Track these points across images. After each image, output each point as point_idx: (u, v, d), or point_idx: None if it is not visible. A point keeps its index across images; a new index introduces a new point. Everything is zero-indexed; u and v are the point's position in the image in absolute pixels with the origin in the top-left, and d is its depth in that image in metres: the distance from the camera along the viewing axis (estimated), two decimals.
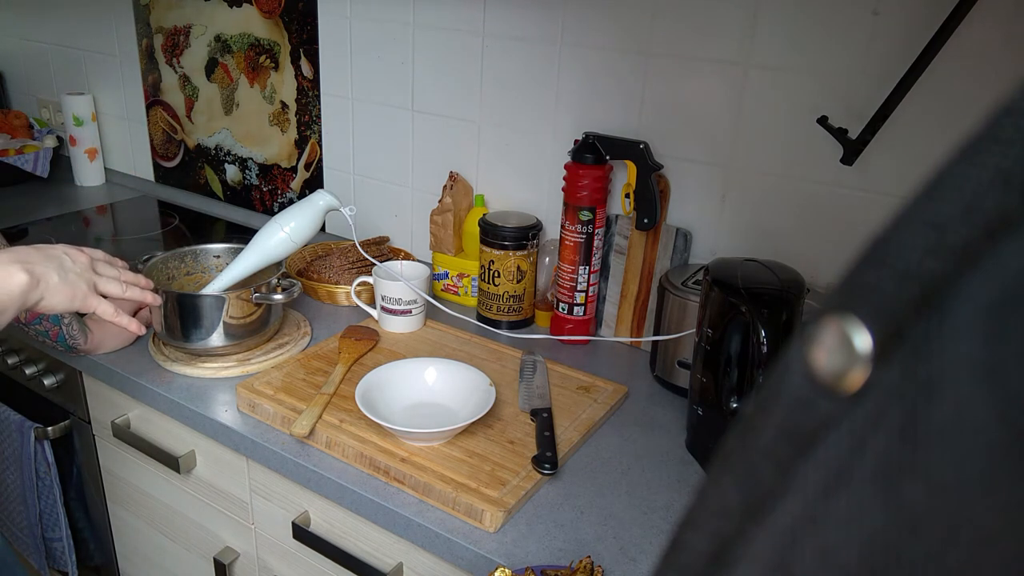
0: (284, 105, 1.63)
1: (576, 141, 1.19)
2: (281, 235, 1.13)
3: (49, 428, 1.32)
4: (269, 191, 1.73)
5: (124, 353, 1.17)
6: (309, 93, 1.59)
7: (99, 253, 1.00)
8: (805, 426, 0.22)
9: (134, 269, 1.05)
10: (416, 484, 0.88)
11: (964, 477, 0.18)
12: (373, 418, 0.91)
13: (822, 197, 1.08)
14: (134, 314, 1.20)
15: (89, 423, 1.30)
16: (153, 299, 1.03)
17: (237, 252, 1.16)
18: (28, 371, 1.31)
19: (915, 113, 0.97)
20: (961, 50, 0.91)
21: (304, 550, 1.03)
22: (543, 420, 0.98)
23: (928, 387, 0.19)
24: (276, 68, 1.62)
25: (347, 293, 1.32)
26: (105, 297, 0.95)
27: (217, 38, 1.69)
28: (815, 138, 1.04)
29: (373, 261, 1.28)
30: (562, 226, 1.20)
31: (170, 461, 1.13)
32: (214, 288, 1.12)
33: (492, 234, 1.25)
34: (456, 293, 1.38)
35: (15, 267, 0.85)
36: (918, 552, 0.19)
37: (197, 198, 1.85)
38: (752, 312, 0.86)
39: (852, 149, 0.98)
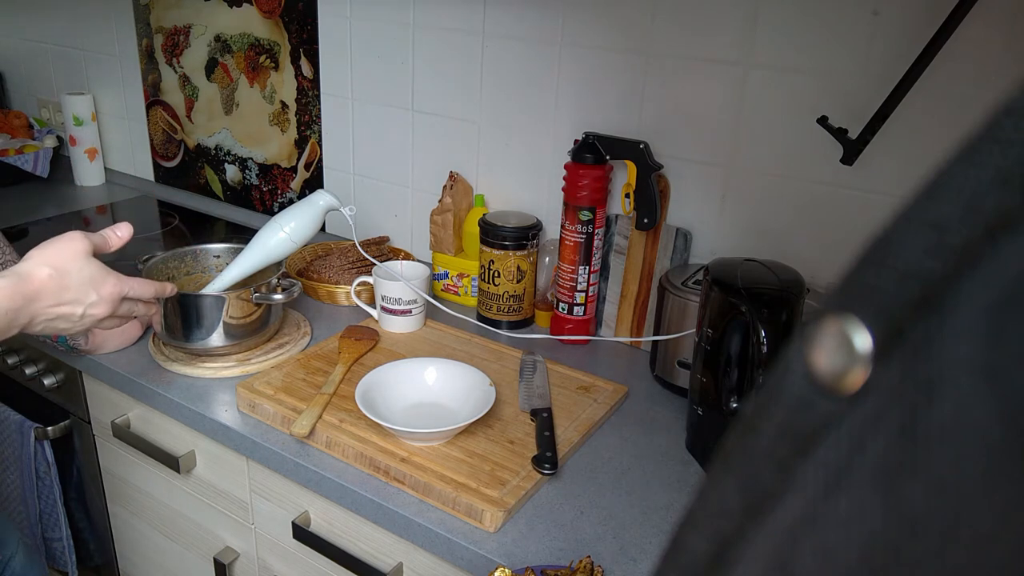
0: (284, 105, 1.63)
1: (576, 141, 1.19)
2: (281, 235, 1.13)
3: (49, 428, 1.32)
4: (269, 191, 1.73)
5: (124, 353, 1.17)
6: (309, 93, 1.59)
7: (137, 289, 0.93)
8: (805, 426, 0.22)
9: (134, 271, 1.02)
10: (416, 484, 0.88)
11: (964, 477, 0.18)
12: (373, 418, 0.91)
13: (822, 197, 1.08)
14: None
15: (89, 423, 1.30)
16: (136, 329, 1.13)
17: (237, 252, 1.16)
18: (28, 371, 1.31)
19: (915, 113, 0.97)
20: (961, 50, 0.91)
21: (304, 550, 1.03)
22: (543, 420, 0.98)
23: (928, 387, 0.19)
24: (276, 68, 1.62)
25: (347, 293, 1.32)
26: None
27: (217, 38, 1.69)
28: (815, 138, 1.04)
29: (373, 261, 1.28)
30: (562, 226, 1.20)
31: (170, 461, 1.13)
32: (214, 288, 1.12)
33: (492, 234, 1.25)
34: (456, 293, 1.38)
35: (38, 316, 0.84)
36: (918, 552, 0.19)
37: (197, 198, 1.85)
38: (752, 312, 0.86)
39: (852, 149, 0.98)
